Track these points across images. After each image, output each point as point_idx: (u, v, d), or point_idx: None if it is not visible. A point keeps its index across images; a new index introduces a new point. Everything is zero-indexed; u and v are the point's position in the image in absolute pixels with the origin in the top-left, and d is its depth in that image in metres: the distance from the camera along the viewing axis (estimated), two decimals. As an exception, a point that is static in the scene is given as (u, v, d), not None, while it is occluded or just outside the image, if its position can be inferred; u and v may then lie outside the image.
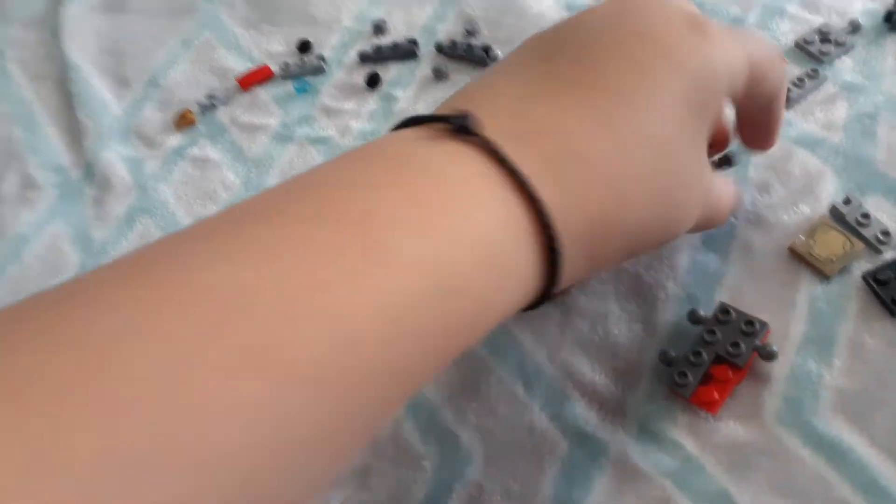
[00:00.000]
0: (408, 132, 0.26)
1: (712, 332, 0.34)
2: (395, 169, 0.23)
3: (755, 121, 0.34)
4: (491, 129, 0.25)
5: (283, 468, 0.18)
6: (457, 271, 0.22)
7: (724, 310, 0.34)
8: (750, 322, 0.34)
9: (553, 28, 0.30)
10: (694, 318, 0.35)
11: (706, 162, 0.30)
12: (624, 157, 0.26)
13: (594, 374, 0.35)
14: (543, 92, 0.27)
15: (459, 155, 0.24)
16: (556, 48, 0.28)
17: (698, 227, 0.32)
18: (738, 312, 0.34)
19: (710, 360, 0.33)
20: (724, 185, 0.34)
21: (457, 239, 0.22)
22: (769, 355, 0.33)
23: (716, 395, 0.32)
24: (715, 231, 0.39)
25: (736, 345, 0.33)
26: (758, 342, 0.33)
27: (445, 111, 0.26)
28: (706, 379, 0.33)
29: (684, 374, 0.33)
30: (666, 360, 0.34)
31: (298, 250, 0.20)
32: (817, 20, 0.46)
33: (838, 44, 0.44)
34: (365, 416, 0.21)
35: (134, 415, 0.15)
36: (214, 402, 0.16)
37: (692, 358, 0.33)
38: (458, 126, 0.24)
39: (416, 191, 0.23)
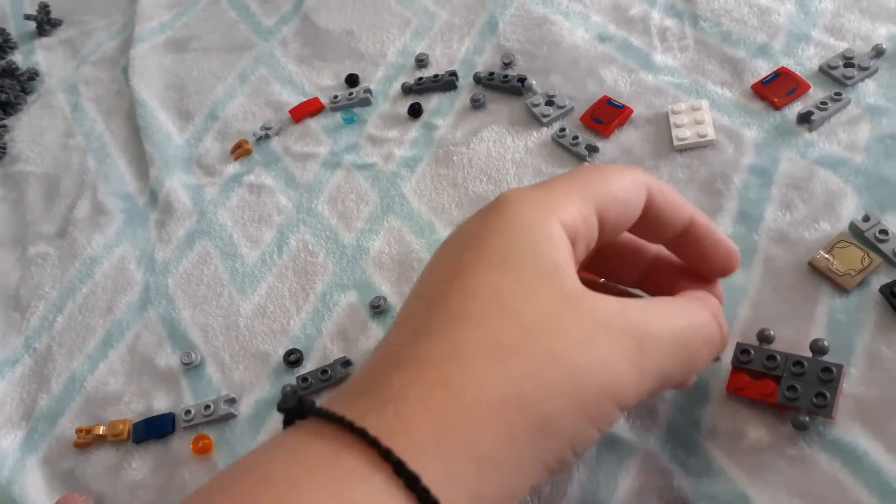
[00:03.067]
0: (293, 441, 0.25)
1: (793, 389, 0.33)
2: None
3: (695, 251, 0.33)
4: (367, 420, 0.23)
5: None
6: None
7: (797, 361, 0.34)
8: (827, 369, 0.33)
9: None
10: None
11: (597, 305, 0.26)
12: (488, 379, 0.24)
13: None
14: (397, 359, 0.25)
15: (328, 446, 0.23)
16: (418, 287, 0.29)
17: (667, 382, 0.28)
18: (809, 361, 0.34)
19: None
20: (690, 313, 0.30)
21: None
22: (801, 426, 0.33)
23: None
24: (737, 246, 0.40)
25: (821, 395, 0.33)
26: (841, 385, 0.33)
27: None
28: None
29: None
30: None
31: None
32: (842, 45, 0.48)
33: (862, 68, 0.45)
34: None
35: None
36: None
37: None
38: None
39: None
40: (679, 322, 0.28)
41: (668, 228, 0.31)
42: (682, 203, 0.31)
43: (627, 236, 0.34)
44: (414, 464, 0.22)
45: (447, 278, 0.27)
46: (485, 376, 0.24)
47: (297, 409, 0.25)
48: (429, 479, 0.22)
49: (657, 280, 0.35)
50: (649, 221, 0.31)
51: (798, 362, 0.34)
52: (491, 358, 0.24)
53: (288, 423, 0.26)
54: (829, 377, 0.33)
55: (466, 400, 0.23)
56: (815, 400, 0.33)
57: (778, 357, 0.34)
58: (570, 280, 0.26)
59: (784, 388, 0.33)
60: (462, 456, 0.23)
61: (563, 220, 0.27)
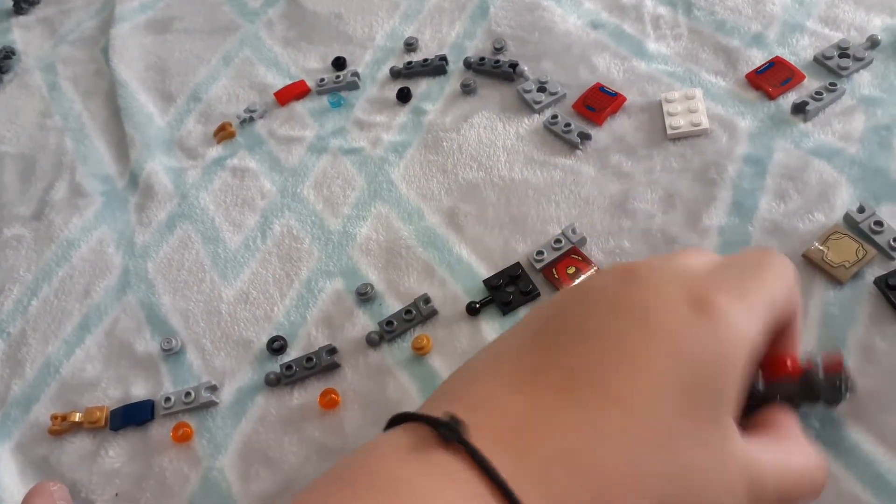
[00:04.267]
0: (398, 441, 0.25)
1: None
2: (386, 499, 0.23)
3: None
4: (477, 433, 0.24)
5: None
6: None
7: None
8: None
9: (555, 302, 0.29)
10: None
11: (736, 446, 0.25)
12: (610, 457, 0.23)
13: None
14: (531, 387, 0.25)
15: (449, 475, 0.23)
16: (552, 332, 0.27)
17: None
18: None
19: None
20: (797, 457, 0.28)
21: None
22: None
23: None
24: (731, 237, 0.40)
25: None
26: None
27: (436, 408, 0.25)
28: None
29: None
30: None
31: None
32: (836, 36, 0.47)
33: (857, 59, 0.45)
34: None
35: None
36: None
37: None
38: (447, 433, 0.24)
39: None
40: (789, 479, 0.27)
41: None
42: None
43: None
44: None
45: (607, 352, 0.26)
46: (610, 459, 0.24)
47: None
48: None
49: None
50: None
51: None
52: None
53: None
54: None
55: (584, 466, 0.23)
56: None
57: None
58: (733, 437, 0.25)
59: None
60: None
61: (752, 342, 0.26)
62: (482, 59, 0.53)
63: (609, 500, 0.23)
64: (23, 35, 0.71)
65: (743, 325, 0.26)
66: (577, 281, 0.40)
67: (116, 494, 0.39)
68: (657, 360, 0.25)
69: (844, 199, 0.39)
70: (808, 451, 0.28)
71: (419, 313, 0.41)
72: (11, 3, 0.73)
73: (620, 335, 0.26)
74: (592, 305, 0.27)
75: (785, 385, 0.29)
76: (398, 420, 0.26)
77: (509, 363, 0.27)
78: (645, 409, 0.24)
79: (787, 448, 0.28)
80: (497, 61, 0.52)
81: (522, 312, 0.40)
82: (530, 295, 0.41)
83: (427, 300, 0.42)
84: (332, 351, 0.41)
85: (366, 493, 0.23)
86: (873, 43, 0.46)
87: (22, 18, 0.73)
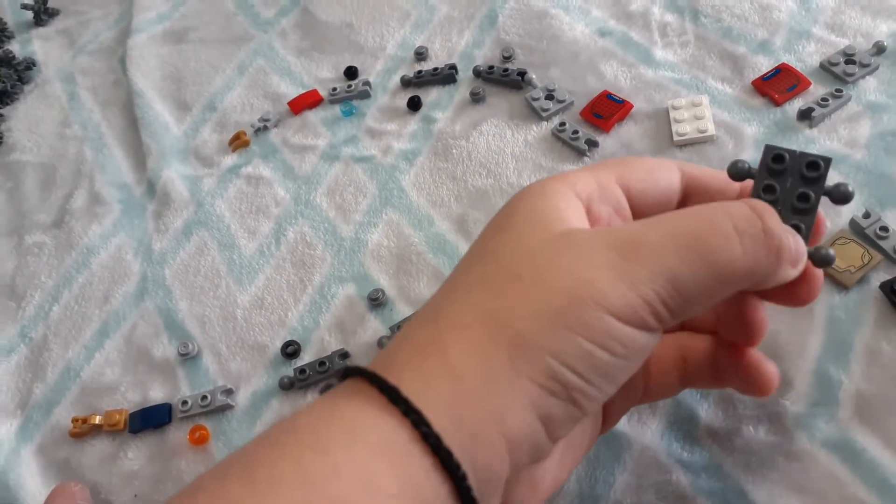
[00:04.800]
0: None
1: (771, 189, 0.28)
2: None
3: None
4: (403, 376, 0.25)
5: None
6: None
7: (778, 156, 0.28)
8: (813, 164, 0.27)
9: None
10: (737, 172, 0.28)
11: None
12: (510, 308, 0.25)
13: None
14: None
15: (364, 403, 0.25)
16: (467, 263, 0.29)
17: (696, 283, 0.25)
18: (792, 154, 0.28)
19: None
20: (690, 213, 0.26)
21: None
22: (825, 259, 0.27)
23: None
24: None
25: (804, 197, 0.27)
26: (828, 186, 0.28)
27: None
28: None
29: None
30: None
31: None
32: (842, 42, 0.48)
33: (863, 65, 0.45)
34: None
35: None
36: None
37: None
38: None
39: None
40: (677, 224, 0.25)
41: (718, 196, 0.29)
42: (723, 175, 0.29)
43: None
44: (396, 379, 0.24)
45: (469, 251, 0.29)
46: (459, 305, 0.26)
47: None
48: (409, 391, 0.24)
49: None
50: (699, 195, 0.30)
51: (779, 156, 0.28)
52: (466, 292, 0.26)
53: None
54: (815, 174, 0.27)
55: (441, 326, 0.26)
56: (796, 203, 0.27)
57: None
58: (561, 224, 0.27)
59: (759, 186, 0.28)
60: (435, 369, 0.24)
61: (573, 186, 0.28)
62: (491, 67, 0.54)
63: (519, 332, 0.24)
64: (43, 46, 0.73)
65: (543, 183, 0.29)
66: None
67: (135, 495, 0.40)
68: (487, 235, 0.28)
69: (850, 205, 0.40)
70: (710, 209, 0.26)
71: (430, 318, 0.42)
72: (32, 15, 0.75)
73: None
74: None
75: None
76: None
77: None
78: (476, 260, 0.28)
79: (684, 212, 0.26)
80: (506, 70, 0.53)
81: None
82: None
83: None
84: (344, 355, 0.42)
85: (281, 437, 0.24)
86: (879, 49, 0.46)
87: (42, 30, 0.75)
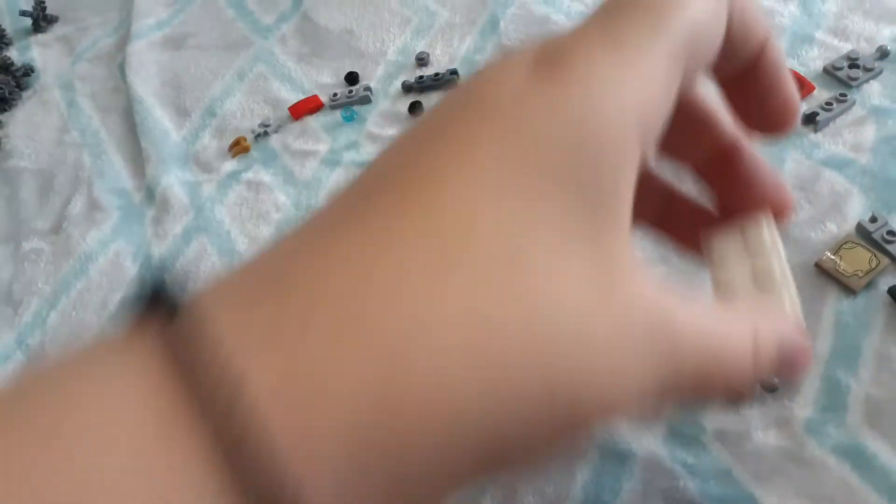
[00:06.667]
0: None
1: None
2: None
3: (753, 90, 0.23)
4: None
5: None
6: None
7: None
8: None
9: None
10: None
11: (626, 275, 0.18)
12: (405, 308, 0.16)
13: (624, 383, 0.37)
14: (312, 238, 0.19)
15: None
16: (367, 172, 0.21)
17: (682, 388, 0.19)
18: None
19: None
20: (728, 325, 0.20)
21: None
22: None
23: None
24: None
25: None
26: None
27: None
28: None
29: None
30: None
31: None
32: (846, 47, 0.47)
33: (867, 69, 0.45)
34: None
35: None
36: None
37: None
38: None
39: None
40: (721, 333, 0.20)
41: (738, 56, 0.22)
42: (761, 19, 0.22)
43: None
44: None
45: (410, 167, 0.18)
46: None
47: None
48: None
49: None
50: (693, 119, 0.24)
51: None
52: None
53: None
54: None
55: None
56: None
57: None
58: (621, 259, 0.18)
59: None
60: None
61: (638, 102, 0.18)
62: (493, 72, 0.53)
63: (407, 377, 0.15)
64: (41, 52, 0.72)
65: (616, 83, 0.17)
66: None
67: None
68: (479, 147, 0.17)
69: (856, 209, 0.40)
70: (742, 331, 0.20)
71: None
72: (30, 22, 0.75)
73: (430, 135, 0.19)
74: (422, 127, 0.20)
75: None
76: None
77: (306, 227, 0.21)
78: (459, 221, 0.17)
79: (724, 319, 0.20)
80: (508, 75, 0.53)
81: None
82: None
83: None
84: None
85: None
86: (883, 53, 0.46)
87: (41, 36, 0.74)
